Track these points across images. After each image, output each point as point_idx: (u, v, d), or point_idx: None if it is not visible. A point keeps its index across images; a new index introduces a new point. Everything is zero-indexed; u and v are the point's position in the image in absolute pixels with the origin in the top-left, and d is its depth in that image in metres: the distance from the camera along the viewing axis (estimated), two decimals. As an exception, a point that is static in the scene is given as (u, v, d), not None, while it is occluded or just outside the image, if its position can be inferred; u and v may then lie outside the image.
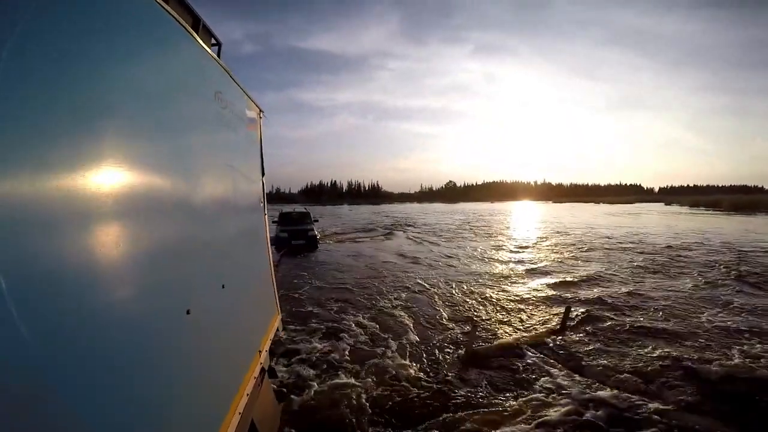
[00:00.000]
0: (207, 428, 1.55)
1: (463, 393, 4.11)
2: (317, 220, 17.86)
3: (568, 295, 8.11)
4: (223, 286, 1.98)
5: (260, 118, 3.26)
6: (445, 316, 6.80)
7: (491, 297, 8.11)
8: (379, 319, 6.65)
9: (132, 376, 1.07)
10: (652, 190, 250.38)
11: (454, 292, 8.57)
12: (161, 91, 1.47)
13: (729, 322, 6.19)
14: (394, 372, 4.60)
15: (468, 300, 7.90)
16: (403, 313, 6.94)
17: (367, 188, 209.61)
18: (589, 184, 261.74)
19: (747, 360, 4.77)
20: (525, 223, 31.68)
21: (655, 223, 28.11)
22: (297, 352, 5.20)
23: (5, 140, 0.68)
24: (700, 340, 5.49)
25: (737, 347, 5.18)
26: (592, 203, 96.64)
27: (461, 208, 68.81)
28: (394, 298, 8.00)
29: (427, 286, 9.11)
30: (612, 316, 6.54)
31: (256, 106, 3.11)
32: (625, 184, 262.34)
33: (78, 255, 0.91)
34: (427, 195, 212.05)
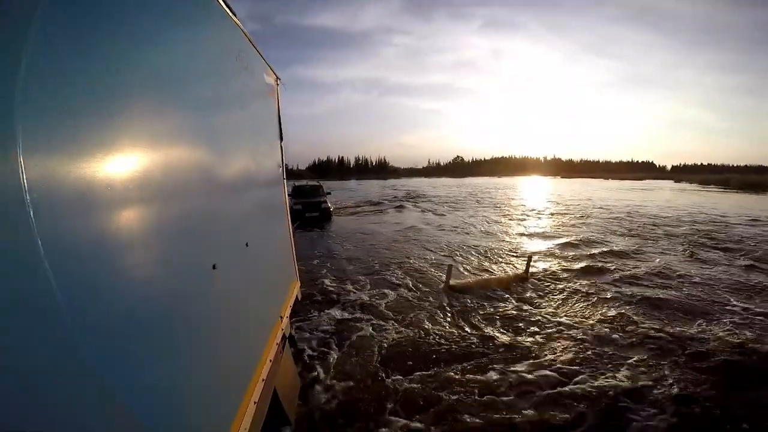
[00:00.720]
0: (233, 393, 1.52)
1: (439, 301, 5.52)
2: (329, 193, 18.13)
3: (543, 249, 9.66)
4: (246, 245, 1.99)
5: (277, 85, 3.31)
6: (435, 261, 8.15)
7: (483, 250, 9.54)
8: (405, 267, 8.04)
9: (161, 334, 1.05)
10: (664, 168, 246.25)
11: (451, 245, 9.95)
12: (187, 53, 1.45)
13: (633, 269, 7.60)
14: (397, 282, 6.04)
15: (462, 252, 9.30)
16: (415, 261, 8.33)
17: (374, 163, 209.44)
18: (600, 161, 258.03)
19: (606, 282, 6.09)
20: (526, 195, 32.61)
21: (657, 198, 28.88)
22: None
23: (40, 115, 0.67)
24: (613, 275, 7.17)
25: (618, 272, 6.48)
26: (602, 179, 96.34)
27: (468, 182, 69.56)
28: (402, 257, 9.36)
29: (434, 240, 10.49)
30: (565, 266, 8.06)
31: (273, 72, 3.13)
32: (637, 162, 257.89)
33: (114, 215, 0.91)
34: (434, 170, 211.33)
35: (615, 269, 7.68)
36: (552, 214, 17.64)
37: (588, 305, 5.75)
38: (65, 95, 0.75)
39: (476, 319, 5.23)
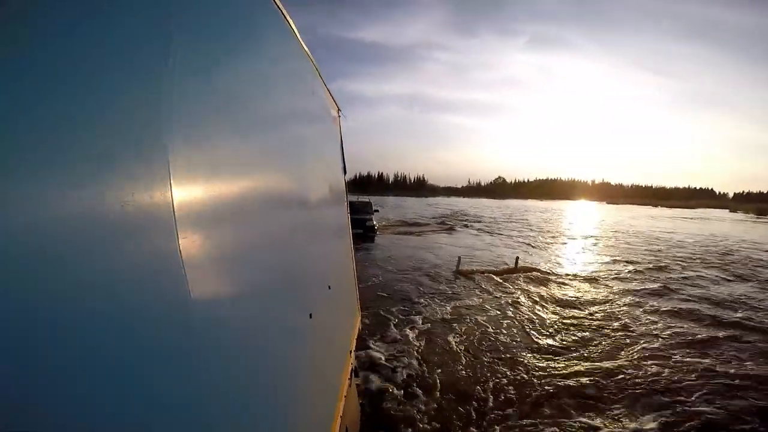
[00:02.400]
0: None
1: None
2: (377, 210, 18.30)
3: (535, 258, 11.82)
4: (329, 287, 2.00)
5: (339, 116, 3.26)
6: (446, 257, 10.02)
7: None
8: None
9: (257, 382, 1.02)
10: (725, 195, 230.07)
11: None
12: (269, 87, 1.41)
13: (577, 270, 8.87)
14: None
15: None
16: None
17: (412, 180, 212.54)
18: (653, 186, 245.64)
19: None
20: (557, 220, 33.15)
21: (694, 227, 28.58)
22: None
23: (126, 144, 0.59)
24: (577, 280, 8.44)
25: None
26: (650, 206, 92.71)
27: (510, 204, 69.70)
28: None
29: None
30: (546, 270, 10.07)
31: (336, 104, 3.10)
32: (695, 188, 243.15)
33: (220, 267, 0.87)
34: (474, 190, 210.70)
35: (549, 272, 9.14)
36: (567, 236, 18.87)
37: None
38: (145, 135, 0.64)
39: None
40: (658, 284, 8.89)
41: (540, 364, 4.68)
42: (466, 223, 25.54)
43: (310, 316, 1.53)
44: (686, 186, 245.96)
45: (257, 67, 1.28)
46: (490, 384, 4.18)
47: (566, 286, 8.55)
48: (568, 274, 9.79)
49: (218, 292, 0.86)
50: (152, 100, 0.65)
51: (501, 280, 8.59)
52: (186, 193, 0.72)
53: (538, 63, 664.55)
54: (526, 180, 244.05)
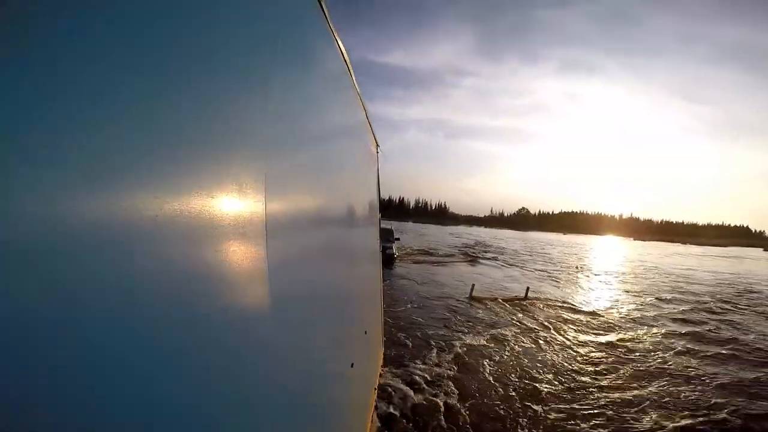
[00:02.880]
0: None
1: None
2: (398, 239, 18.28)
3: (548, 290, 12.60)
4: (365, 333, 2.04)
5: (378, 152, 3.28)
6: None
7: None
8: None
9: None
10: (762, 233, 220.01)
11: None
12: (323, 120, 1.43)
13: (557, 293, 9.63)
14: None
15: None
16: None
17: (433, 207, 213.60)
18: (684, 222, 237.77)
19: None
20: (574, 254, 33.44)
21: (718, 265, 28.40)
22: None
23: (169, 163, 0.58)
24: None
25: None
26: (679, 243, 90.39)
27: (533, 237, 69.42)
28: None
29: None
30: (552, 298, 11.13)
31: (375, 140, 3.13)
32: (729, 225, 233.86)
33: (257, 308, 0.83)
34: (496, 220, 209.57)
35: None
36: (577, 269, 19.51)
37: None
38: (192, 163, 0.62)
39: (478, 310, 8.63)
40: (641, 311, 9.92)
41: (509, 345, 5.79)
42: (488, 254, 26.46)
43: (352, 365, 1.51)
44: (719, 223, 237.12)
45: (313, 99, 1.29)
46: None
47: (563, 310, 9.87)
48: (566, 301, 11.03)
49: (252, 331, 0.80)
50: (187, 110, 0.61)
51: (510, 306, 9.66)
52: (226, 207, 0.69)
53: (566, 89, 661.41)
54: (550, 212, 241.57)
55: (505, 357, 6.01)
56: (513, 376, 5.28)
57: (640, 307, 10.95)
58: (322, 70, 1.37)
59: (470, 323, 7.98)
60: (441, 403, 4.30)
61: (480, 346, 6.45)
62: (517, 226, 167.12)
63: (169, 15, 0.56)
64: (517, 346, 6.51)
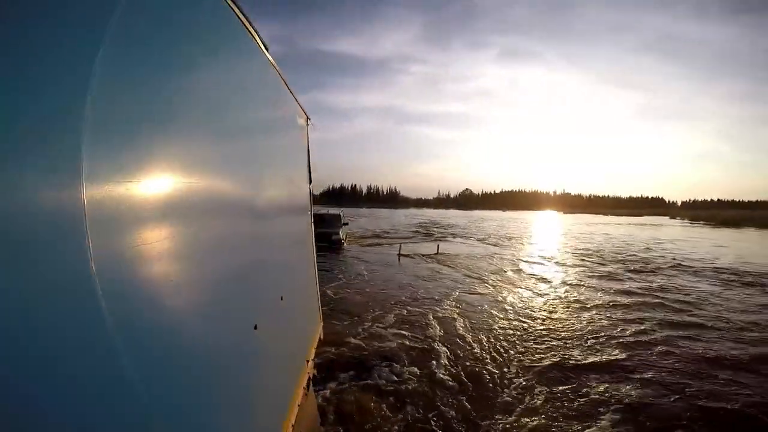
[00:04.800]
0: None
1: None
2: (347, 224, 18.67)
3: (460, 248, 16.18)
4: (281, 298, 1.99)
5: (307, 125, 3.24)
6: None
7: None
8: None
9: (203, 393, 1.03)
10: (674, 203, 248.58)
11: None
12: (229, 95, 1.43)
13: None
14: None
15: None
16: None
17: (385, 193, 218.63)
18: (609, 196, 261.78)
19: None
20: (502, 226, 38.45)
21: (621, 232, 34.35)
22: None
23: (101, 142, 0.64)
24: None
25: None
26: (601, 215, 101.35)
27: (474, 215, 75.35)
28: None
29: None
30: (460, 253, 15.35)
31: (304, 112, 3.07)
32: (647, 197, 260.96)
33: (159, 267, 0.87)
34: (443, 201, 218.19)
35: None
36: (496, 237, 23.84)
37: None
38: (132, 119, 0.73)
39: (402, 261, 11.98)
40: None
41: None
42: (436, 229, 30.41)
43: (255, 327, 1.49)
44: (639, 195, 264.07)
45: (216, 75, 1.30)
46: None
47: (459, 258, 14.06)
48: (461, 254, 15.44)
49: (156, 296, 0.83)
50: (90, 99, 0.64)
51: (427, 259, 13.82)
52: (132, 192, 0.73)
53: (507, 75, 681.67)
54: (492, 192, 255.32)
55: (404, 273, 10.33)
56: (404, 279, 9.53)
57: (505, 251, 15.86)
58: (215, 41, 1.31)
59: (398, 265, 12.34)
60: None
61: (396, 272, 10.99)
62: (462, 206, 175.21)
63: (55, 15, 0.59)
64: (416, 271, 11.19)
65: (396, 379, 4.56)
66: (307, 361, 2.47)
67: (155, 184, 0.87)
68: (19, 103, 0.53)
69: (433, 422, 3.77)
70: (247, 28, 1.57)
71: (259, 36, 1.74)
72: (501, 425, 3.73)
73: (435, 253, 15.19)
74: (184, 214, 0.99)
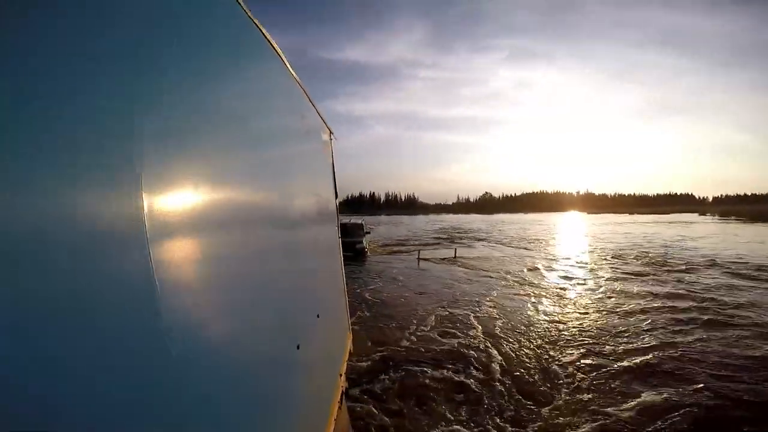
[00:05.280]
0: None
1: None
2: (369, 232, 18.71)
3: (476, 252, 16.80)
4: (318, 316, 2.02)
5: (331, 140, 3.27)
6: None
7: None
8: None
9: (250, 413, 1.04)
10: (704, 199, 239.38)
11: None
12: (260, 112, 1.46)
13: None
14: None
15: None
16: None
17: (403, 199, 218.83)
18: (636, 194, 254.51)
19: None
20: (526, 230, 38.41)
21: (644, 230, 33.73)
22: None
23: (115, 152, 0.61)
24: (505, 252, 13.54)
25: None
26: (626, 214, 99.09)
27: (496, 219, 74.50)
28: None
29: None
30: (479, 256, 15.65)
31: (327, 127, 3.10)
32: (675, 194, 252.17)
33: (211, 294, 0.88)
34: (463, 206, 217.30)
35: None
36: (519, 240, 24.17)
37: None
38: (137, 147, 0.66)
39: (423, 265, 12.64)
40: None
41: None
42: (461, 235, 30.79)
43: (298, 347, 1.51)
44: (667, 192, 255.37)
45: (246, 93, 1.31)
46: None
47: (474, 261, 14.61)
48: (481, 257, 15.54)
49: (195, 321, 0.82)
50: (138, 110, 0.66)
51: (446, 263, 14.23)
52: (165, 211, 0.72)
53: (518, 77, 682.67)
54: (513, 194, 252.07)
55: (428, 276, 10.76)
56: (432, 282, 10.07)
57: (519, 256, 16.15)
58: (248, 64, 1.36)
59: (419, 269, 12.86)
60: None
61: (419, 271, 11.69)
62: (483, 210, 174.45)
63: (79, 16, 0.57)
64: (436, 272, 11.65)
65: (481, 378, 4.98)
66: (340, 375, 2.47)
67: (202, 196, 0.90)
68: (88, 111, 0.56)
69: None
70: (273, 48, 1.62)
71: (284, 54, 1.78)
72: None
73: (453, 258, 15.60)
74: (225, 233, 1.02)
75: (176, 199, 0.78)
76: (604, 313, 7.60)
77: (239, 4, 1.22)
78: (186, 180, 0.83)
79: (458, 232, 32.91)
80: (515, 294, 9.35)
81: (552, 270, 12.93)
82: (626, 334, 6.30)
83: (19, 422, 0.42)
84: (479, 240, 25.28)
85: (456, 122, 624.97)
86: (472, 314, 7.51)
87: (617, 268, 12.85)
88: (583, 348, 5.78)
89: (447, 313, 7.62)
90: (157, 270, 0.67)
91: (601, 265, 13.88)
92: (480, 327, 6.75)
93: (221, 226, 0.99)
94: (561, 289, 9.99)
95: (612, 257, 15.74)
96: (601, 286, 10.07)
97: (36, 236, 0.46)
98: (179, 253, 0.78)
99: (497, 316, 7.39)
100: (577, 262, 14.62)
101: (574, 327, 6.77)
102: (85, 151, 0.55)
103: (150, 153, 0.70)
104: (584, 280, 11.13)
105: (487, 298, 8.81)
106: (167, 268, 0.71)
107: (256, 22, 1.37)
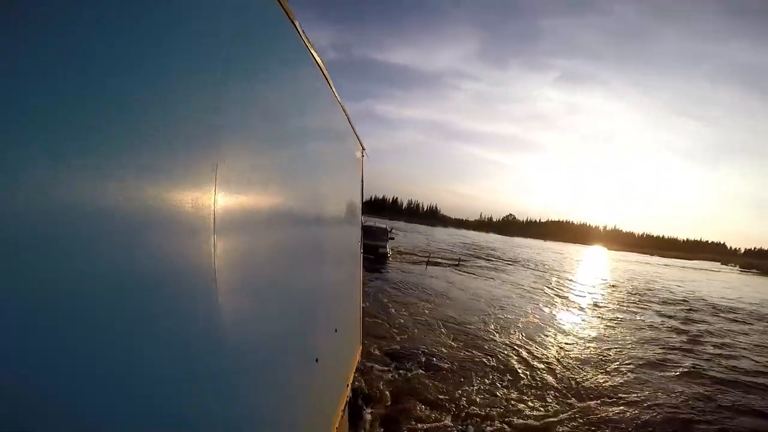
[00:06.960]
0: None
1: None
2: (393, 238, 18.71)
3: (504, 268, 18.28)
4: (336, 330, 2.05)
5: (362, 156, 3.30)
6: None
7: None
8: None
9: (264, 423, 1.04)
10: (736, 251, 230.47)
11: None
12: (303, 128, 1.48)
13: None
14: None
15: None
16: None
17: (425, 209, 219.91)
18: (665, 237, 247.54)
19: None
20: (536, 254, 39.54)
21: (662, 274, 34.19)
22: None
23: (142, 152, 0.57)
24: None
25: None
26: (648, 255, 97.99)
27: (515, 242, 73.66)
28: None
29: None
30: (480, 271, 16.90)
31: (361, 144, 3.13)
32: (706, 241, 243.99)
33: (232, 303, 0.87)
34: (483, 224, 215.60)
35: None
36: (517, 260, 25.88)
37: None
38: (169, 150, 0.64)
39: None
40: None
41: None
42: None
43: (317, 360, 1.53)
44: (698, 239, 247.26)
45: (294, 111, 1.37)
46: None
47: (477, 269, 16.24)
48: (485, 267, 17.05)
49: (225, 325, 0.82)
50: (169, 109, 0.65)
51: (450, 269, 16.17)
52: (250, 202, 0.78)
53: (565, 100, 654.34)
54: (537, 220, 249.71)
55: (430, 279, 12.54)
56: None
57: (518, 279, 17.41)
58: (293, 78, 1.39)
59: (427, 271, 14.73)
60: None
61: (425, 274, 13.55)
62: (503, 231, 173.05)
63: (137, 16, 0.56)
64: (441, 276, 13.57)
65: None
66: (347, 386, 2.48)
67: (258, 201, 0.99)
68: (160, 112, 0.59)
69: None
70: (319, 67, 1.63)
71: (327, 72, 1.79)
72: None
73: (457, 263, 17.84)
74: (259, 242, 1.05)
75: (216, 203, 0.77)
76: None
77: (289, 18, 1.23)
78: (230, 186, 0.84)
79: (485, 252, 33.35)
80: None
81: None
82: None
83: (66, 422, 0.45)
84: (516, 262, 25.54)
85: (490, 138, 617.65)
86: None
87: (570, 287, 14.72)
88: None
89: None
90: (182, 275, 0.69)
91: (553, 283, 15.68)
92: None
93: (256, 234, 1.04)
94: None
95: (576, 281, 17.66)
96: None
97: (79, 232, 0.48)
98: (224, 255, 0.79)
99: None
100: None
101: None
102: (161, 153, 0.61)
103: (237, 156, 0.82)
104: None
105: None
106: (197, 272, 0.72)
107: (303, 35, 1.37)
